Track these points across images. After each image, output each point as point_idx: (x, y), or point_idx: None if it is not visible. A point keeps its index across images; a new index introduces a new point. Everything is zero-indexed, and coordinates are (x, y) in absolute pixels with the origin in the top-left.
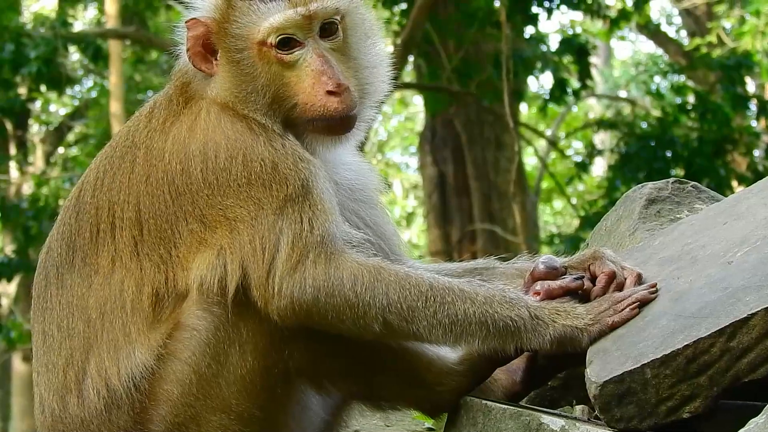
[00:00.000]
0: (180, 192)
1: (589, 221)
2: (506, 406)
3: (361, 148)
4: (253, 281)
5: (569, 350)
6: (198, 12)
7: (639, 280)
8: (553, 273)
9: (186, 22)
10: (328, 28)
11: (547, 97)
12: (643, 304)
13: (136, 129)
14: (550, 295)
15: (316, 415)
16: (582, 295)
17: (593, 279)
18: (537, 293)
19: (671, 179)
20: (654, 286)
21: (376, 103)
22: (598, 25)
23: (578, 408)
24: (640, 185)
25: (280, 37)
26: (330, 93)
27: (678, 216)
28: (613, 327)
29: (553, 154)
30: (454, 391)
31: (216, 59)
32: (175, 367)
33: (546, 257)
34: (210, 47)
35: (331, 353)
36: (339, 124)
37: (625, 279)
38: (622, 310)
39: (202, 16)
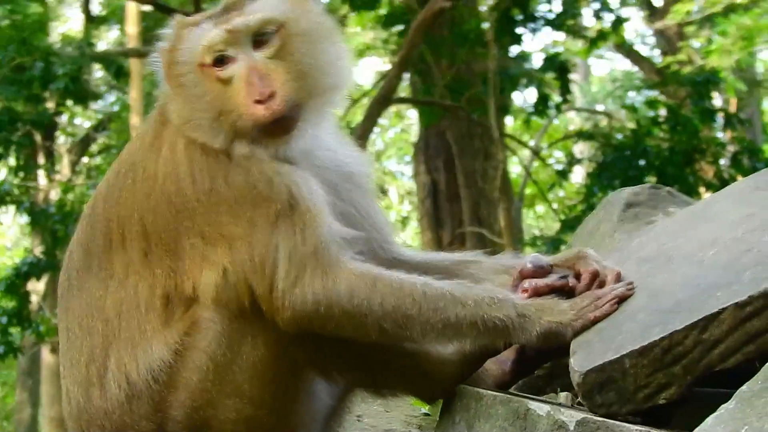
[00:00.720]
0: (178, 210)
1: (568, 224)
2: (497, 394)
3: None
4: (259, 296)
5: (555, 344)
6: (165, 42)
7: (618, 278)
8: (540, 271)
9: (159, 50)
10: (262, 39)
11: (531, 110)
12: (621, 300)
13: (134, 148)
14: (537, 293)
15: (323, 400)
16: (566, 292)
17: (577, 276)
18: (525, 291)
19: (647, 185)
20: (631, 283)
21: (335, 99)
22: (578, 44)
23: (562, 395)
24: (618, 190)
25: (214, 56)
26: (257, 102)
27: (654, 219)
28: (595, 321)
29: (536, 163)
30: (449, 380)
31: None
32: (194, 355)
33: (533, 257)
34: None
35: (335, 349)
36: (273, 129)
37: (607, 277)
38: (603, 305)
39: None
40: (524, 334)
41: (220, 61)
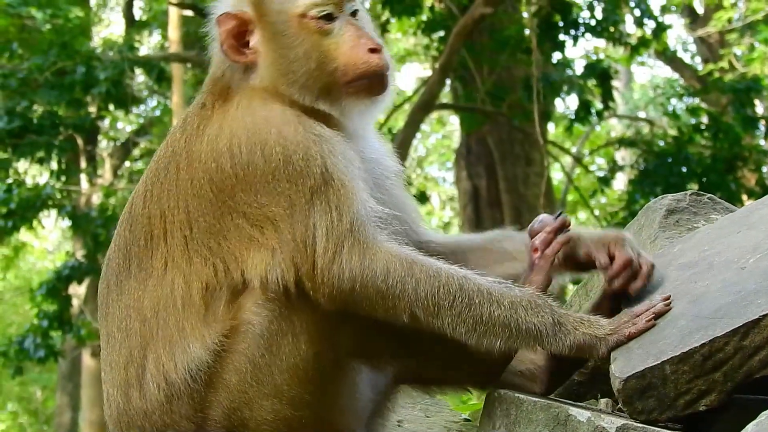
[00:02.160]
0: (219, 188)
1: None
2: (537, 399)
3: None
4: (303, 274)
5: (586, 357)
6: (227, 7)
7: (652, 270)
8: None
9: (218, 18)
10: (354, 13)
11: (573, 117)
12: (658, 315)
13: (174, 140)
14: (546, 243)
15: (366, 400)
16: (605, 269)
17: (611, 258)
18: (536, 249)
19: (689, 191)
20: (668, 297)
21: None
22: (620, 51)
23: (603, 401)
24: (660, 197)
25: (321, 11)
26: (371, 50)
27: (695, 225)
28: (631, 337)
29: (578, 170)
30: (495, 363)
31: (249, 48)
32: (233, 357)
33: (543, 216)
34: (242, 38)
35: (379, 336)
36: (380, 81)
37: (641, 267)
38: (640, 322)
39: (234, 9)
40: (557, 342)
41: (325, 17)
